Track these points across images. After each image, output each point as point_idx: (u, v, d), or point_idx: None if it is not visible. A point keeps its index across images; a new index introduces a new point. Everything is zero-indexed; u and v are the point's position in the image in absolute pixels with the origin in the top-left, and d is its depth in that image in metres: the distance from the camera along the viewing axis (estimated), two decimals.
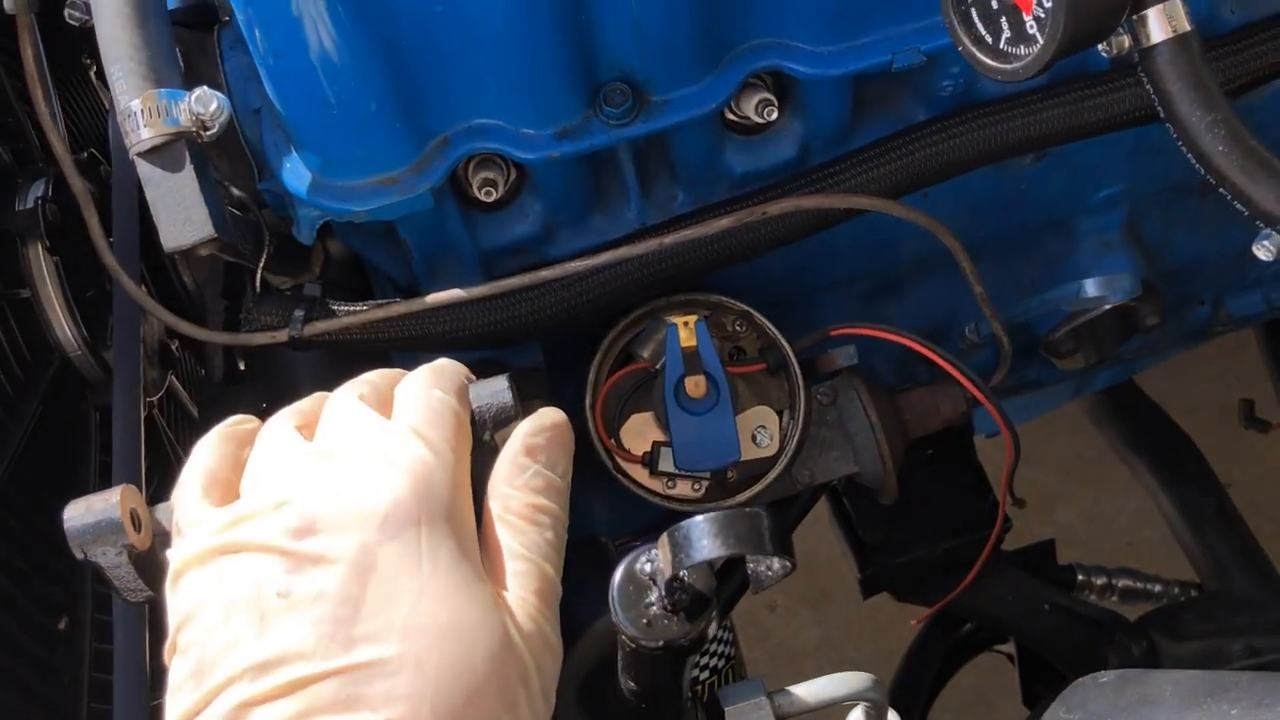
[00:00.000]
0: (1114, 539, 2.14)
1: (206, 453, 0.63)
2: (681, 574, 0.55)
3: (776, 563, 0.54)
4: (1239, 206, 0.62)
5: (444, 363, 0.66)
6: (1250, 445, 1.92)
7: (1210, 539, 1.30)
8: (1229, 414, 1.55)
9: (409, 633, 0.53)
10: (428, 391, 0.62)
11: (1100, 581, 1.35)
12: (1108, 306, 1.05)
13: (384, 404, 0.63)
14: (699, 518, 0.54)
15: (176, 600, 0.57)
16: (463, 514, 0.58)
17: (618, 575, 0.58)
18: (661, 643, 0.57)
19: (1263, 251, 0.64)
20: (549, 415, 0.64)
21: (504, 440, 0.64)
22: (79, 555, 0.63)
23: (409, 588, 0.54)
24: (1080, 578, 1.34)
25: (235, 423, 0.65)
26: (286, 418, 0.63)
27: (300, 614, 0.53)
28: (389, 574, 0.54)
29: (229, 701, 0.52)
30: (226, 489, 0.61)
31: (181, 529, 0.60)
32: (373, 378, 0.65)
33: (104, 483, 0.96)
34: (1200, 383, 2.06)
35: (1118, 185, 1.02)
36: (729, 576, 0.85)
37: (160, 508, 0.68)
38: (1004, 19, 0.62)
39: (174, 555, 0.59)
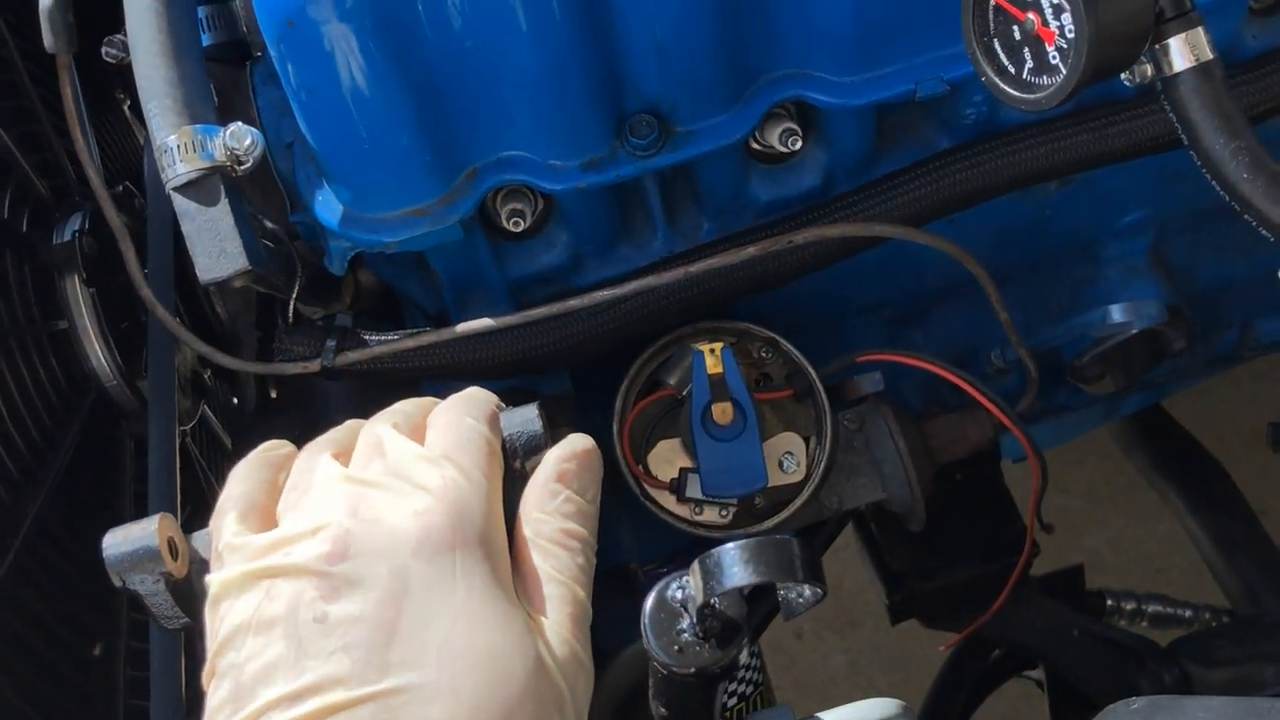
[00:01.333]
0: (1143, 564, 2.12)
1: (243, 479, 0.64)
2: (713, 601, 0.56)
3: (808, 590, 0.55)
4: (1265, 233, 0.62)
5: (474, 391, 0.66)
6: None
7: (1241, 564, 1.28)
8: (1260, 439, 1.54)
9: (444, 658, 0.53)
10: (459, 419, 0.63)
11: (1130, 607, 1.33)
12: (1134, 332, 1.04)
13: (417, 432, 0.64)
14: (730, 545, 0.55)
15: (215, 625, 0.58)
16: (496, 539, 0.59)
17: (649, 602, 0.59)
18: (693, 669, 0.57)
19: None
20: (579, 442, 0.65)
21: (534, 468, 0.64)
22: (117, 583, 0.64)
23: (443, 612, 0.54)
24: (1109, 603, 1.33)
25: (270, 448, 0.66)
26: (322, 445, 0.64)
27: (336, 639, 0.54)
28: (423, 598, 0.55)
29: None
30: (264, 515, 0.62)
31: (221, 554, 0.60)
32: (405, 407, 0.66)
33: (139, 510, 0.97)
34: (1230, 407, 2.04)
35: (1143, 210, 1.02)
36: (758, 602, 0.85)
37: (197, 536, 0.68)
38: (1027, 50, 0.62)
39: (213, 580, 0.59)
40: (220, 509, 0.62)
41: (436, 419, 0.64)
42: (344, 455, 0.63)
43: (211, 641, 0.58)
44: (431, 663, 0.53)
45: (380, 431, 0.63)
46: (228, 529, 0.61)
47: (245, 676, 0.55)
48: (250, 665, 0.55)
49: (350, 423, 0.66)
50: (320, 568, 0.56)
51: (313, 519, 0.58)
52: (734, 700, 1.03)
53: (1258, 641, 1.09)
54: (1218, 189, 0.63)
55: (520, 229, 0.84)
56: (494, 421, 0.65)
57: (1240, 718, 0.64)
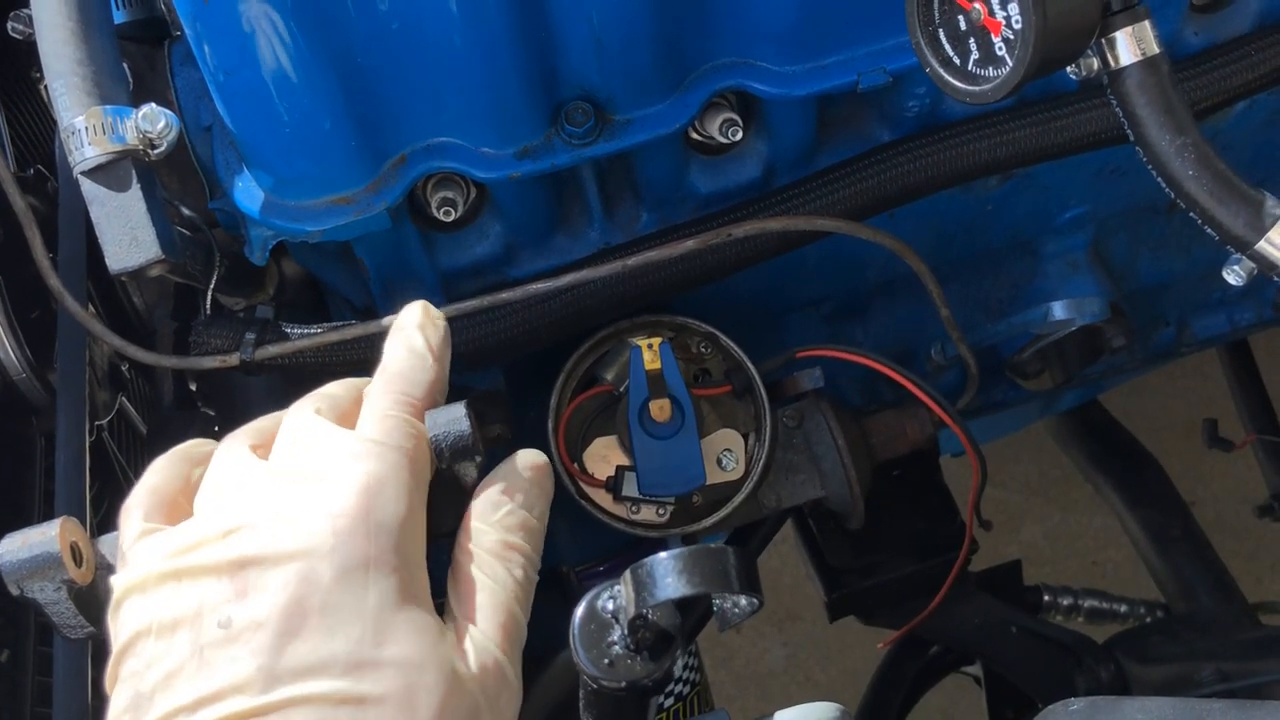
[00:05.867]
0: (1078, 558, 2.15)
1: (154, 474, 0.61)
2: (645, 612, 0.54)
3: (744, 600, 0.53)
4: (1209, 231, 0.61)
5: (406, 371, 0.63)
6: (1214, 464, 1.94)
7: (1176, 560, 1.29)
8: (1192, 433, 1.55)
9: (351, 668, 0.51)
10: (390, 407, 0.60)
11: (1066, 602, 1.34)
12: (1075, 328, 1.04)
13: (345, 418, 0.61)
14: (663, 555, 0.53)
15: (118, 628, 0.56)
16: (414, 545, 0.56)
17: (579, 613, 0.56)
18: (624, 683, 0.55)
19: (1233, 276, 0.64)
20: (531, 457, 0.63)
21: (464, 470, 0.62)
22: (15, 592, 0.60)
23: (352, 620, 0.52)
24: (1046, 598, 1.34)
25: (192, 445, 0.63)
26: (241, 437, 0.61)
27: (240, 646, 0.52)
28: (332, 605, 0.52)
29: None
30: (174, 511, 0.59)
31: (125, 554, 0.58)
32: (333, 390, 0.63)
33: (49, 510, 0.93)
34: (1164, 402, 2.07)
35: (1083, 206, 1.02)
36: (693, 606, 0.83)
37: (105, 539, 0.65)
38: (972, 40, 0.60)
39: (117, 581, 0.57)
40: (128, 506, 0.60)
41: (369, 404, 0.61)
42: (264, 447, 0.60)
43: (115, 645, 0.56)
44: (337, 673, 0.51)
45: (302, 420, 0.60)
46: (133, 527, 0.58)
47: (145, 684, 0.53)
48: (151, 672, 0.53)
49: (274, 414, 0.63)
50: (228, 571, 0.53)
51: (223, 519, 0.56)
52: (671, 700, 1.02)
53: (1192, 639, 1.10)
54: (1163, 185, 0.62)
55: (451, 218, 0.81)
56: (422, 409, 0.62)
57: (1179, 718, 0.64)
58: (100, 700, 0.79)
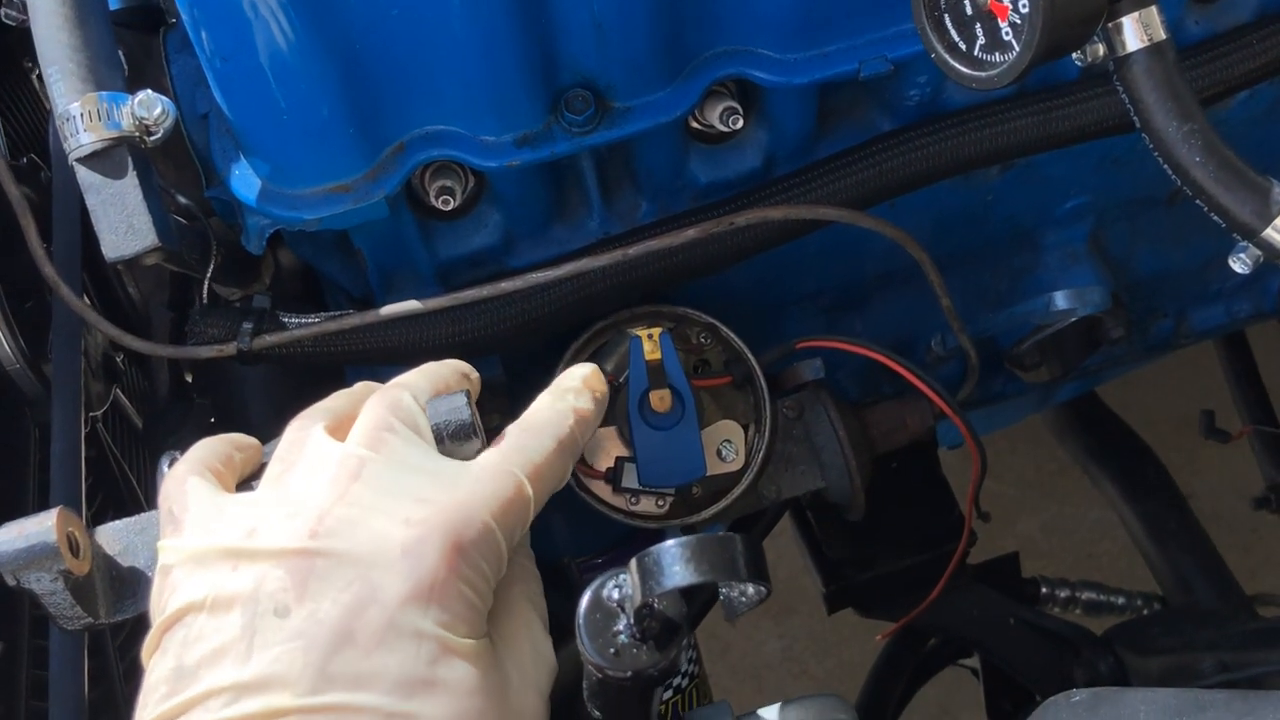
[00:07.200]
0: (1074, 550, 2.15)
1: (204, 447, 0.60)
2: (652, 601, 0.53)
3: (751, 588, 0.52)
4: (1215, 218, 0.61)
5: (548, 418, 0.63)
6: (1210, 456, 1.94)
7: (1173, 551, 1.29)
8: (1189, 425, 1.56)
9: (400, 685, 0.50)
10: (528, 453, 0.59)
11: (1064, 594, 1.34)
12: (1074, 319, 1.04)
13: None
14: (670, 543, 0.52)
15: (164, 595, 0.54)
16: (485, 571, 0.54)
17: (584, 602, 0.56)
18: (630, 673, 0.55)
19: (1239, 264, 0.63)
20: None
21: (461, 455, 0.61)
22: (11, 582, 0.60)
23: (410, 636, 0.51)
24: (1044, 590, 1.34)
25: (234, 435, 0.63)
26: (316, 415, 0.60)
27: (293, 635, 0.50)
28: (393, 619, 0.51)
29: (204, 717, 0.50)
30: (219, 480, 0.59)
31: (180, 520, 0.56)
32: (419, 382, 0.62)
33: (44, 502, 0.92)
34: (1160, 394, 2.07)
35: (1084, 197, 1.02)
36: (699, 594, 0.83)
37: (103, 530, 0.65)
38: (978, 25, 0.60)
39: (171, 544, 0.55)
40: (177, 474, 0.58)
41: (509, 439, 0.60)
42: (340, 429, 0.58)
43: (157, 612, 0.54)
44: (388, 688, 0.50)
45: (389, 417, 0.58)
46: (194, 492, 0.57)
47: (190, 658, 0.51)
48: (198, 646, 0.51)
49: (355, 389, 0.62)
50: (291, 558, 0.52)
51: (293, 501, 0.54)
52: (669, 692, 1.01)
53: (1191, 630, 1.10)
54: (1169, 172, 0.61)
55: (450, 207, 0.81)
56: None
57: (1179, 709, 0.64)
58: (97, 694, 0.78)
